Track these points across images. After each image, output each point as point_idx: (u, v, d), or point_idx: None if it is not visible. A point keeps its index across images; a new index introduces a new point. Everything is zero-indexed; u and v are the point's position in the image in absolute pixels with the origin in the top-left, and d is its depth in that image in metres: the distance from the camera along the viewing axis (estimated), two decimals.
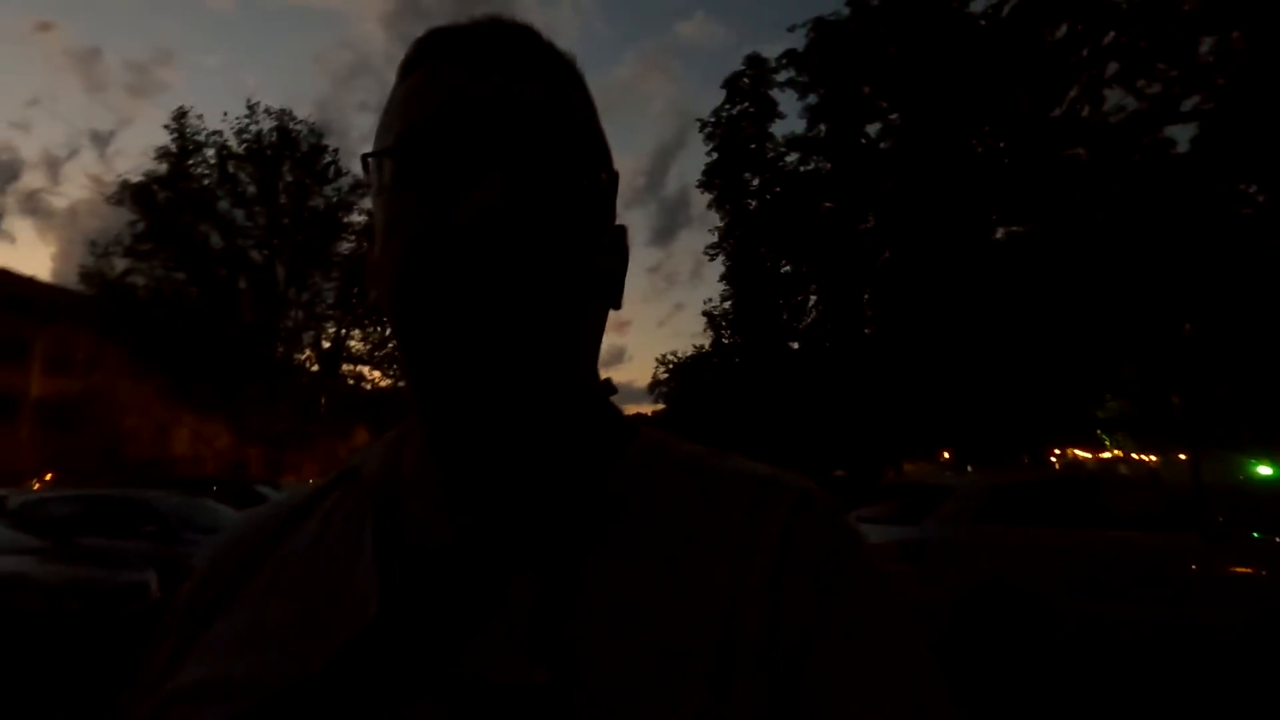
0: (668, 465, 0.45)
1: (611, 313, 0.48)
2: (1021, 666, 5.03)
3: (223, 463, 28.93)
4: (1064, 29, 10.49)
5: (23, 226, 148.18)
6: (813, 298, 20.68)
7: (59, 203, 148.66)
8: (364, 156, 0.43)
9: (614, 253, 0.47)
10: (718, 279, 23.13)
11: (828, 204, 18.35)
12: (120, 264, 25.61)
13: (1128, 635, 5.17)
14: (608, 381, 0.50)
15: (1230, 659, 5.18)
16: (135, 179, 25.47)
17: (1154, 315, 11.31)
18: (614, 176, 0.46)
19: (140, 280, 25.76)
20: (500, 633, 0.37)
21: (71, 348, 34.33)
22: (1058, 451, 36.58)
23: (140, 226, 25.22)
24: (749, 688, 0.36)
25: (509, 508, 0.42)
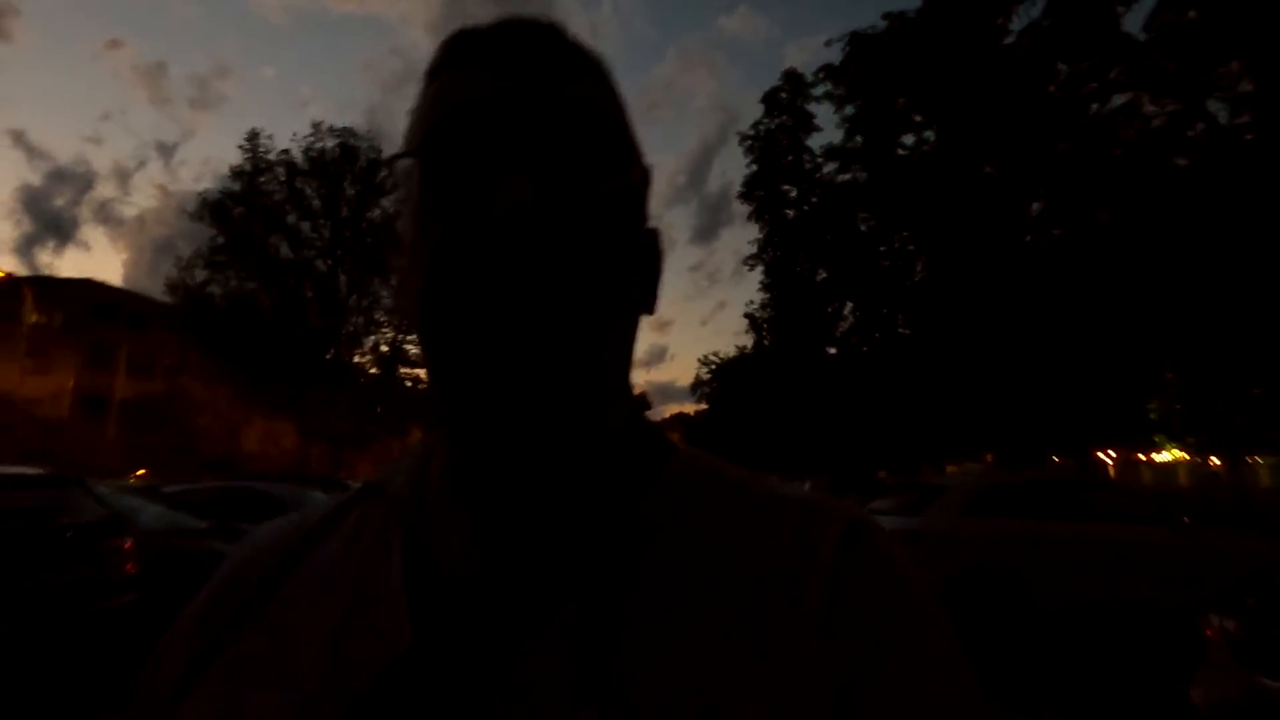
0: (707, 487, 0.44)
1: (653, 313, 0.47)
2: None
3: (287, 460, 30.99)
4: (1073, 63, 11.10)
5: (96, 235, 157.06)
6: (849, 304, 21.29)
7: (129, 211, 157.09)
8: (390, 159, 0.43)
9: (646, 256, 0.46)
10: (758, 284, 23.96)
11: (864, 214, 18.99)
12: (200, 275, 27.72)
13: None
14: (642, 396, 0.50)
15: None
16: (212, 196, 27.54)
17: (1193, 317, 11.59)
18: (645, 176, 0.45)
19: (217, 290, 27.82)
20: (541, 670, 0.35)
21: (152, 353, 36.93)
22: (1112, 454, 36.01)
23: (219, 240, 27.26)
24: None
25: (542, 530, 0.40)
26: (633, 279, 0.43)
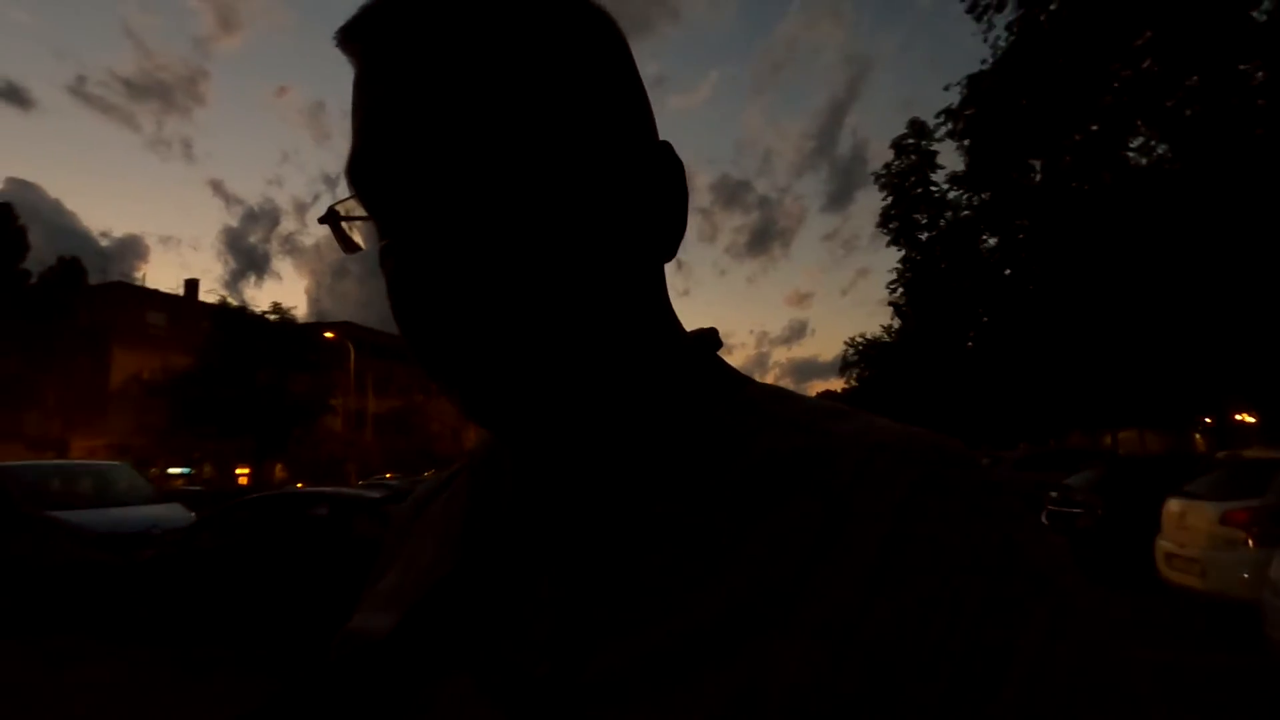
0: (766, 426, 0.38)
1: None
2: None
3: None
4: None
5: (284, 265, 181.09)
6: (980, 308, 24.43)
7: (308, 241, 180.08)
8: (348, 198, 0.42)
9: (639, 183, 0.40)
10: (895, 282, 27.03)
11: (986, 234, 22.16)
12: None
13: None
14: (711, 332, 0.45)
15: None
16: None
17: None
18: (625, 95, 0.40)
19: None
20: (529, 616, 0.37)
21: (390, 376, 46.22)
22: None
23: None
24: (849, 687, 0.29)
25: (563, 480, 0.41)
26: (614, 220, 0.38)
